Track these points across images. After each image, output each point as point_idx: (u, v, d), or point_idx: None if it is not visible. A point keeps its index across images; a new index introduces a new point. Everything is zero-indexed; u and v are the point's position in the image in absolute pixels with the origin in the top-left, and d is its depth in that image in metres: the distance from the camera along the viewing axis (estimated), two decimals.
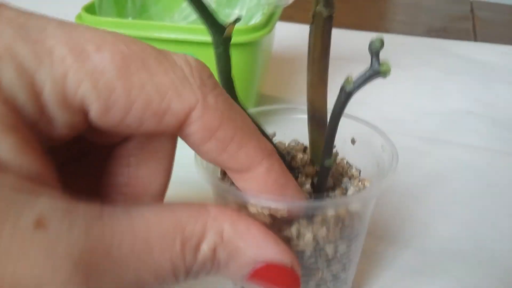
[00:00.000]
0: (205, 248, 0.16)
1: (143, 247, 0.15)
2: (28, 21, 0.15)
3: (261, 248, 0.17)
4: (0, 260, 0.12)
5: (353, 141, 0.27)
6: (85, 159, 0.20)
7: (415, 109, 0.51)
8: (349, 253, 0.24)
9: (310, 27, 0.21)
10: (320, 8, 0.20)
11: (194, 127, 0.16)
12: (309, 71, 0.22)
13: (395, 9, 0.88)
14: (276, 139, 0.27)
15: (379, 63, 0.17)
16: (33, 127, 0.14)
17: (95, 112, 0.15)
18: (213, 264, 0.16)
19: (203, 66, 0.17)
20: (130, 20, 0.47)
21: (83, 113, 0.15)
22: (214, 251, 0.16)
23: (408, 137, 0.45)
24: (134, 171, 0.19)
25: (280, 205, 0.18)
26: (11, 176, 0.13)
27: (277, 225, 0.21)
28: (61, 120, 0.15)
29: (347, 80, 0.19)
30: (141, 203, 0.19)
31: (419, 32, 0.74)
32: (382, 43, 0.17)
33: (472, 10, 0.83)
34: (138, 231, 0.15)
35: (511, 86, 0.56)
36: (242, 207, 0.20)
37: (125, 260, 0.14)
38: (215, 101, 0.16)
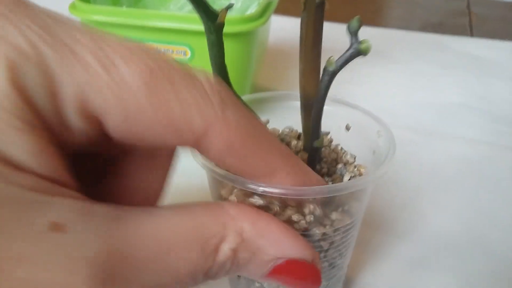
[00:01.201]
0: (225, 248, 0.16)
1: (164, 250, 0.15)
2: (57, 23, 0.14)
3: (281, 245, 0.17)
4: (11, 264, 0.12)
5: (347, 128, 0.26)
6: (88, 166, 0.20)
7: (412, 103, 0.51)
8: (347, 240, 0.24)
9: (301, 15, 0.21)
10: None
11: (214, 143, 0.16)
12: (301, 59, 0.22)
13: (392, 4, 0.88)
14: (270, 126, 0.27)
15: (359, 42, 0.17)
16: (50, 129, 0.14)
17: (115, 126, 0.15)
18: (232, 264, 0.16)
19: (221, 83, 0.17)
20: (124, 8, 0.47)
21: (102, 124, 0.15)
22: (234, 251, 0.16)
23: (404, 130, 0.45)
24: (132, 180, 0.19)
25: (276, 190, 0.18)
26: (27, 175, 0.13)
27: (273, 212, 0.21)
28: (78, 127, 0.15)
29: (329, 61, 0.19)
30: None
31: (415, 27, 0.74)
32: (360, 22, 0.17)
33: (468, 6, 0.83)
34: (160, 234, 0.15)
35: (506, 81, 0.57)
36: (238, 191, 0.20)
37: (145, 263, 0.14)
38: (234, 117, 0.16)
